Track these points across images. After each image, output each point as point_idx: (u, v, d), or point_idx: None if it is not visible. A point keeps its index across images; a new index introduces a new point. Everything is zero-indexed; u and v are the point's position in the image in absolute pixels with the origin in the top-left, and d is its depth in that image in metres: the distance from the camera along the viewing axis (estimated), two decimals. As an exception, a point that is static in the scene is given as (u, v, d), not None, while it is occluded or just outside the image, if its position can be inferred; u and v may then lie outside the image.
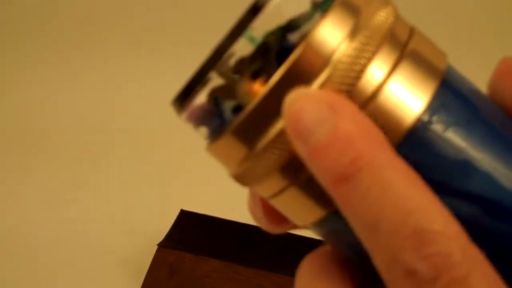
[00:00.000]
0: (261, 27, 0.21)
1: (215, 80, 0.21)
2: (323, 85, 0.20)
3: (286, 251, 0.55)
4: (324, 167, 0.18)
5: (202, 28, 0.84)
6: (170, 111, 0.22)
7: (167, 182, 0.72)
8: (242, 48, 0.21)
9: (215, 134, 0.22)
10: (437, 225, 0.18)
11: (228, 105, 0.21)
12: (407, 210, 0.18)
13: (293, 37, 0.21)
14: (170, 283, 0.60)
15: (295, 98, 0.19)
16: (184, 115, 0.22)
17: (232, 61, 0.21)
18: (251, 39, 0.21)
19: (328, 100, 0.19)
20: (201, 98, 0.21)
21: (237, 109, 0.21)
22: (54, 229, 0.71)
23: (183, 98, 0.22)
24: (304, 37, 0.20)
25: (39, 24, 0.96)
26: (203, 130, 0.22)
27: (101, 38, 0.93)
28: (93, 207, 0.73)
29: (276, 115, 0.20)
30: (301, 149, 0.19)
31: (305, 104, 0.19)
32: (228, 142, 0.21)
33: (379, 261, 0.18)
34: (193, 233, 0.64)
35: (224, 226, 0.63)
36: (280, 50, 0.21)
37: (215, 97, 0.21)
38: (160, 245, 0.61)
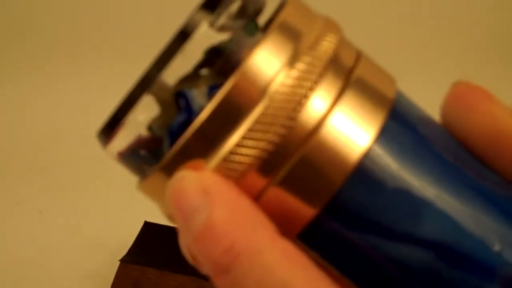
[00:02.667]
0: (191, 53, 0.19)
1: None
2: (258, 120, 0.18)
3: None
4: (203, 257, 0.17)
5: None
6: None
7: (130, 192, 0.70)
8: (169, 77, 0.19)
9: (144, 171, 0.20)
10: None
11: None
12: None
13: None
14: (134, 299, 0.58)
15: (177, 182, 0.18)
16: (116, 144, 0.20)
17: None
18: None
19: (205, 185, 0.18)
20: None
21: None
22: (14, 243, 0.69)
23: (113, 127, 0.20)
24: (236, 66, 0.18)
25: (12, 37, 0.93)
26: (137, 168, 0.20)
27: (76, 51, 0.91)
28: (53, 220, 0.71)
29: (206, 153, 0.18)
30: (185, 235, 0.18)
31: (185, 189, 0.18)
32: (157, 179, 0.19)
33: None
34: (157, 246, 0.61)
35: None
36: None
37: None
38: (123, 260, 0.59)
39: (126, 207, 0.69)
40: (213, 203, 0.17)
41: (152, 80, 0.19)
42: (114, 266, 0.60)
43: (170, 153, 0.18)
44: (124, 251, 0.61)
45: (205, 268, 0.18)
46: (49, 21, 0.93)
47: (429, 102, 0.23)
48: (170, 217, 0.20)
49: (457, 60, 0.89)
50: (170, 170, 0.18)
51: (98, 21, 0.93)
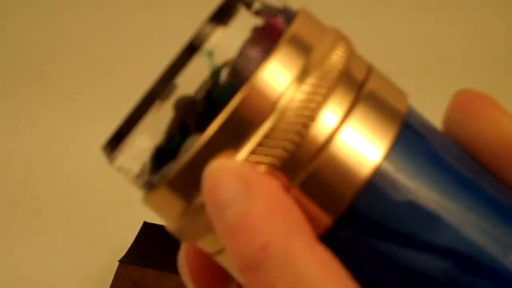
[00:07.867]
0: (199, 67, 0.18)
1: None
2: (267, 136, 0.17)
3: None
4: (234, 250, 0.16)
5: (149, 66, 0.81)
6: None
7: (129, 192, 0.69)
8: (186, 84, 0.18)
9: (151, 184, 0.19)
10: None
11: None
12: None
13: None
14: (133, 300, 0.58)
15: (214, 170, 0.17)
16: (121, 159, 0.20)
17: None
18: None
19: (246, 176, 0.17)
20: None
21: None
22: (13, 244, 0.69)
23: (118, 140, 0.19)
24: (245, 80, 0.18)
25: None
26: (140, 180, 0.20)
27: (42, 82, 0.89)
28: (52, 220, 0.71)
29: None
30: (216, 226, 0.17)
31: (222, 178, 0.17)
32: (163, 195, 0.19)
33: None
34: (156, 247, 0.61)
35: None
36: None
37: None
38: (122, 261, 0.59)
39: (125, 208, 0.69)
40: (252, 196, 0.16)
41: (159, 94, 0.18)
42: (113, 266, 0.60)
43: (176, 167, 0.18)
44: (123, 252, 0.61)
45: (234, 261, 0.17)
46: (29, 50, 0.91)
47: (434, 115, 0.22)
48: (175, 233, 0.20)
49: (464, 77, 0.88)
50: (175, 185, 0.18)
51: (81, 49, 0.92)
